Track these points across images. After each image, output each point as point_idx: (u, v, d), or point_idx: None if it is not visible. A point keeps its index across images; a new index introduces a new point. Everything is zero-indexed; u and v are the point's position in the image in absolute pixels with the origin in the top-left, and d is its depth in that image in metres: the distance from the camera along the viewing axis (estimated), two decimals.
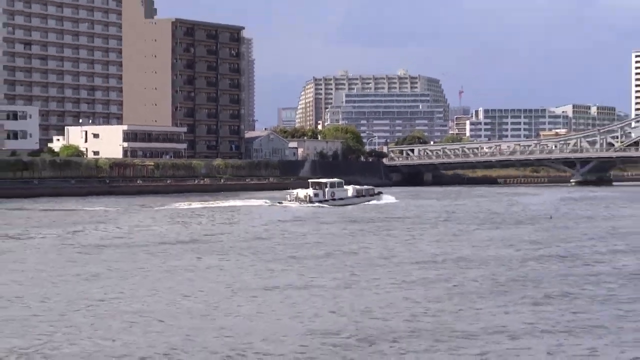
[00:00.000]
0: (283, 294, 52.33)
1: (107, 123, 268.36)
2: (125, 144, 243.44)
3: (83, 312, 46.04)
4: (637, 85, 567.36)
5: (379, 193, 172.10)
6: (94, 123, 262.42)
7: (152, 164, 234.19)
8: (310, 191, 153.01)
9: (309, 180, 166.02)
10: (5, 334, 40.22)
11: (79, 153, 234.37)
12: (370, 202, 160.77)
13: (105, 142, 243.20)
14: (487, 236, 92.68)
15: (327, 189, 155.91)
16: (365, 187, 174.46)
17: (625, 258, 70.11)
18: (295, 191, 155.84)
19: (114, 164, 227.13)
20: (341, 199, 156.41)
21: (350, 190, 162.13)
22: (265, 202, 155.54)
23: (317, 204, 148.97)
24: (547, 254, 73.85)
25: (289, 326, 42.15)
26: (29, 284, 57.08)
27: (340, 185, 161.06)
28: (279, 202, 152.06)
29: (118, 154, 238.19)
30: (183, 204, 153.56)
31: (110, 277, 60.43)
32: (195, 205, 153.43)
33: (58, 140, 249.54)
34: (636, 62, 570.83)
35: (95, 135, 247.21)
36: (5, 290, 53.57)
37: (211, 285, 56.02)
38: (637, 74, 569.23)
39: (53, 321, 43.53)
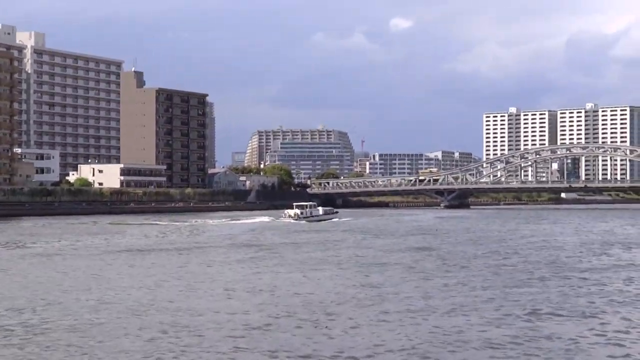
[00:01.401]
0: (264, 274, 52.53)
1: (109, 162, 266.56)
2: (122, 177, 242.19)
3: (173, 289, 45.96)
4: (487, 138, 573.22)
5: (337, 212, 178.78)
6: (99, 162, 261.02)
7: (141, 192, 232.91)
8: (297, 211, 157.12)
9: (294, 204, 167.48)
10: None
11: (88, 184, 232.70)
12: (334, 219, 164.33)
13: (107, 176, 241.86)
14: (397, 241, 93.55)
15: (307, 209, 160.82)
16: (328, 208, 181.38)
17: (483, 259, 71.04)
18: (287, 211, 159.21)
19: (114, 192, 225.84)
20: (316, 216, 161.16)
21: (320, 210, 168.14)
22: (267, 219, 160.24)
23: (302, 220, 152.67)
24: (437, 252, 74.97)
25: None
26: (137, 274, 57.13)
27: (315, 206, 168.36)
28: (282, 217, 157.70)
29: (116, 185, 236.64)
30: (209, 220, 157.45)
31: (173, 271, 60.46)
32: (214, 221, 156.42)
33: (73, 174, 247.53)
34: (486, 121, 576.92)
35: (100, 171, 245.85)
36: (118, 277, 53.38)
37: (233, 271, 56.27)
38: (487, 130, 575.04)
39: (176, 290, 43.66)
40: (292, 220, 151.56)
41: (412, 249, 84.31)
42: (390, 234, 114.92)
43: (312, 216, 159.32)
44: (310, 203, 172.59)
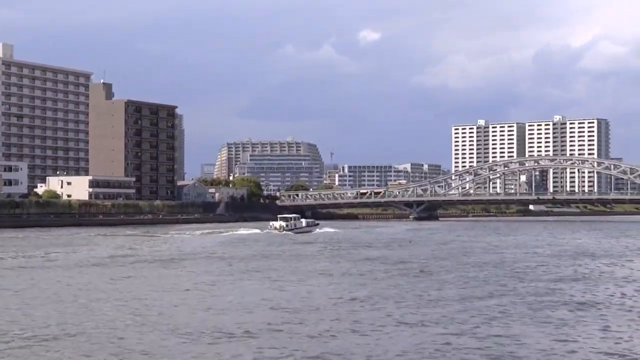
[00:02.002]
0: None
1: (77, 174, 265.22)
2: (90, 190, 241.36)
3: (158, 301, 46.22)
4: (455, 149, 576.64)
5: (317, 224, 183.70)
6: (67, 174, 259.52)
7: (110, 204, 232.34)
8: (283, 223, 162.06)
9: (278, 216, 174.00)
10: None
11: (56, 196, 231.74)
12: (316, 231, 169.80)
13: (75, 188, 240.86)
14: (375, 253, 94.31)
15: (291, 222, 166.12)
16: (310, 220, 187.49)
17: (457, 270, 71.96)
18: (273, 223, 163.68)
19: (82, 204, 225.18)
20: (300, 228, 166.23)
21: (303, 222, 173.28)
22: (258, 230, 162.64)
23: (288, 231, 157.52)
24: (412, 264, 75.57)
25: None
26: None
27: (298, 219, 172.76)
28: (269, 229, 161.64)
29: (85, 197, 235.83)
30: (203, 231, 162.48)
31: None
32: (208, 231, 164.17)
33: (41, 186, 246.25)
34: (455, 133, 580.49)
35: (69, 183, 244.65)
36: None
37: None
38: (455, 141, 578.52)
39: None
40: (279, 232, 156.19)
41: (389, 260, 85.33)
42: (367, 245, 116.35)
43: (297, 228, 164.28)
44: (294, 215, 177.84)
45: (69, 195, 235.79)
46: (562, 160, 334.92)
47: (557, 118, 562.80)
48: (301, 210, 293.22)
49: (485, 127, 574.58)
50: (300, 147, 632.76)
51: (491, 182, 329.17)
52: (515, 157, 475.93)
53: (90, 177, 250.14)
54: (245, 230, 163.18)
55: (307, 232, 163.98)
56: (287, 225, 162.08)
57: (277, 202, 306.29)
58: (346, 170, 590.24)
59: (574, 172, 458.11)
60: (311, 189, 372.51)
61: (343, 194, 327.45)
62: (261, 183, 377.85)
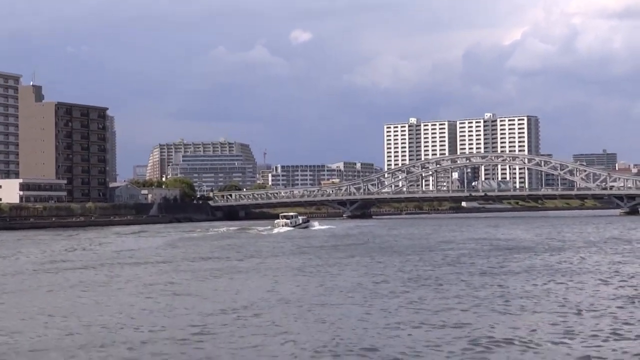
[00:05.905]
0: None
1: (7, 177, 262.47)
2: (21, 193, 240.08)
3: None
4: (388, 148, 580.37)
5: (309, 220, 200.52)
6: None
7: (41, 207, 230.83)
8: (287, 220, 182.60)
9: (280, 214, 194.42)
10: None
11: None
12: (310, 227, 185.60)
13: (6, 191, 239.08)
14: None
15: (293, 219, 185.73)
16: (304, 217, 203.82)
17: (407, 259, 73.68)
18: (278, 221, 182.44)
19: (13, 207, 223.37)
20: (300, 224, 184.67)
21: (301, 219, 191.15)
22: (289, 228, 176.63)
23: (290, 227, 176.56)
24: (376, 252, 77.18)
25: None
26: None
27: (297, 217, 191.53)
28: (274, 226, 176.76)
29: (16, 200, 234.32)
30: (222, 229, 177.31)
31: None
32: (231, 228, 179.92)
33: None
34: (387, 132, 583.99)
35: None
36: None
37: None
38: (387, 140, 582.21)
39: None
40: (288, 228, 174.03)
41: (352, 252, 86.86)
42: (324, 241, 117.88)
43: (297, 225, 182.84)
44: (293, 214, 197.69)
45: None
46: (493, 157, 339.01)
47: (487, 116, 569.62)
48: (235, 211, 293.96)
49: (417, 126, 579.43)
50: (232, 147, 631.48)
51: (424, 180, 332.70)
52: (447, 154, 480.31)
53: (20, 180, 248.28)
54: (282, 228, 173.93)
55: (306, 227, 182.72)
56: (291, 222, 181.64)
57: (211, 202, 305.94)
58: (279, 170, 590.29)
59: (505, 169, 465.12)
60: (244, 189, 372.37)
61: (276, 193, 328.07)
62: (194, 184, 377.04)
